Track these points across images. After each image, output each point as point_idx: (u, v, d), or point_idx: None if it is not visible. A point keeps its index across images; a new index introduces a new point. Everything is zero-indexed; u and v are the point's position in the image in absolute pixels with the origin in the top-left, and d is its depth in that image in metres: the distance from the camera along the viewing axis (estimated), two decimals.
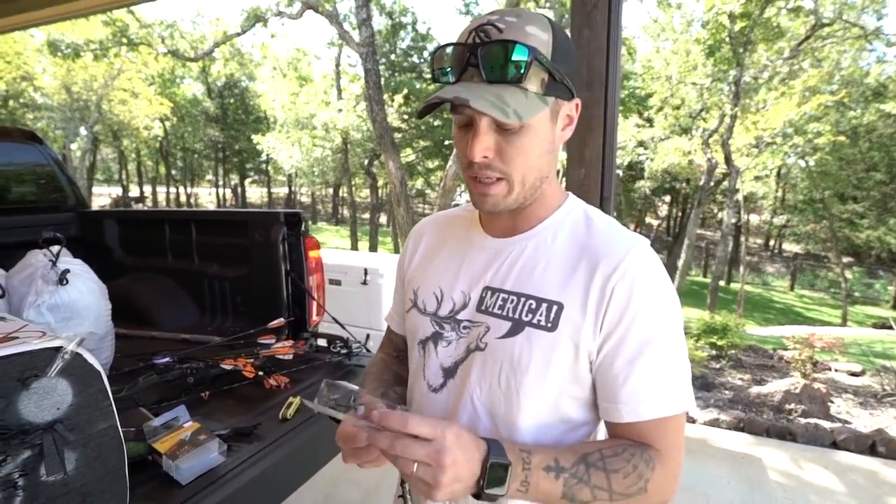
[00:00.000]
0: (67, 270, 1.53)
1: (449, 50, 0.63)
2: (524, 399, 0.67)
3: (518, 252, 0.72)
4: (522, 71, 0.59)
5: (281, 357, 1.79)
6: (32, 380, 0.81)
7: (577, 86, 0.66)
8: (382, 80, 8.54)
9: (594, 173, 1.88)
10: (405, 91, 14.18)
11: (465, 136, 0.65)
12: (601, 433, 0.72)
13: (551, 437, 0.69)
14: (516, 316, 0.68)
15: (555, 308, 0.66)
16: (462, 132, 0.66)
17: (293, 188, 29.28)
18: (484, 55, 0.60)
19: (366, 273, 3.45)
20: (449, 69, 0.63)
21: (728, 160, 9.98)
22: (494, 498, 0.56)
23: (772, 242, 26.32)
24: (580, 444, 0.66)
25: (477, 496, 0.57)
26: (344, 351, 1.87)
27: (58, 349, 0.83)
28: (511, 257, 0.72)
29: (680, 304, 0.68)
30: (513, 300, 0.69)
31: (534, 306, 0.67)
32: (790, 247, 26.02)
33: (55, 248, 1.59)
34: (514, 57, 0.59)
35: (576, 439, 0.70)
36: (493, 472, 0.56)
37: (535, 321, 0.66)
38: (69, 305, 1.50)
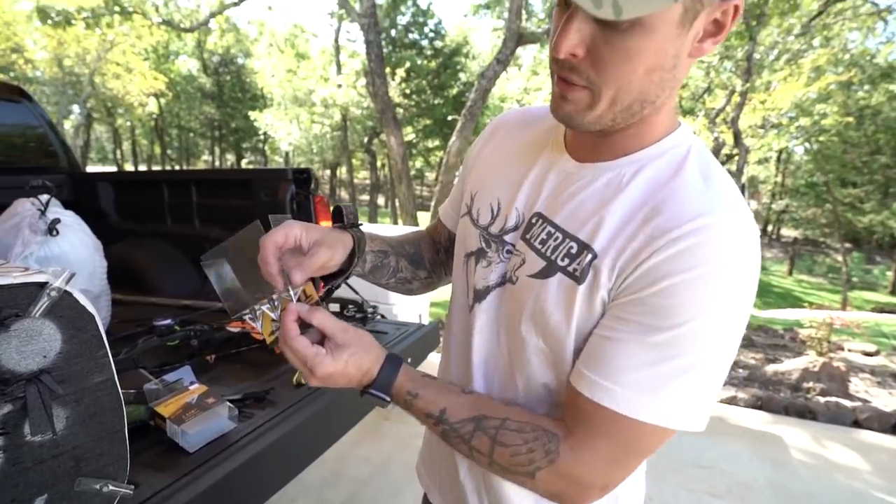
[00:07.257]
0: (58, 220, 1.38)
1: None
2: (541, 348, 0.60)
3: (586, 183, 0.58)
4: None
5: None
6: (13, 320, 0.67)
7: None
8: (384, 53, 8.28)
9: None
10: (407, 65, 13.85)
11: (560, 19, 0.48)
12: None
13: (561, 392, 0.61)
14: (553, 256, 0.58)
15: (588, 257, 0.54)
16: (559, 11, 0.48)
17: (291, 166, 28.94)
18: None
19: None
20: None
21: (738, 139, 9.78)
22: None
23: (770, 227, 26.32)
24: (493, 403, 0.60)
25: (361, 394, 0.62)
26: (359, 315, 1.74)
27: (42, 285, 0.69)
28: (575, 187, 0.59)
29: (746, 310, 0.51)
30: (557, 237, 0.58)
31: (574, 251, 0.56)
32: (789, 232, 26.04)
33: (44, 198, 1.44)
34: None
35: None
36: (373, 399, 0.60)
37: (569, 268, 0.56)
38: (60, 258, 1.35)
